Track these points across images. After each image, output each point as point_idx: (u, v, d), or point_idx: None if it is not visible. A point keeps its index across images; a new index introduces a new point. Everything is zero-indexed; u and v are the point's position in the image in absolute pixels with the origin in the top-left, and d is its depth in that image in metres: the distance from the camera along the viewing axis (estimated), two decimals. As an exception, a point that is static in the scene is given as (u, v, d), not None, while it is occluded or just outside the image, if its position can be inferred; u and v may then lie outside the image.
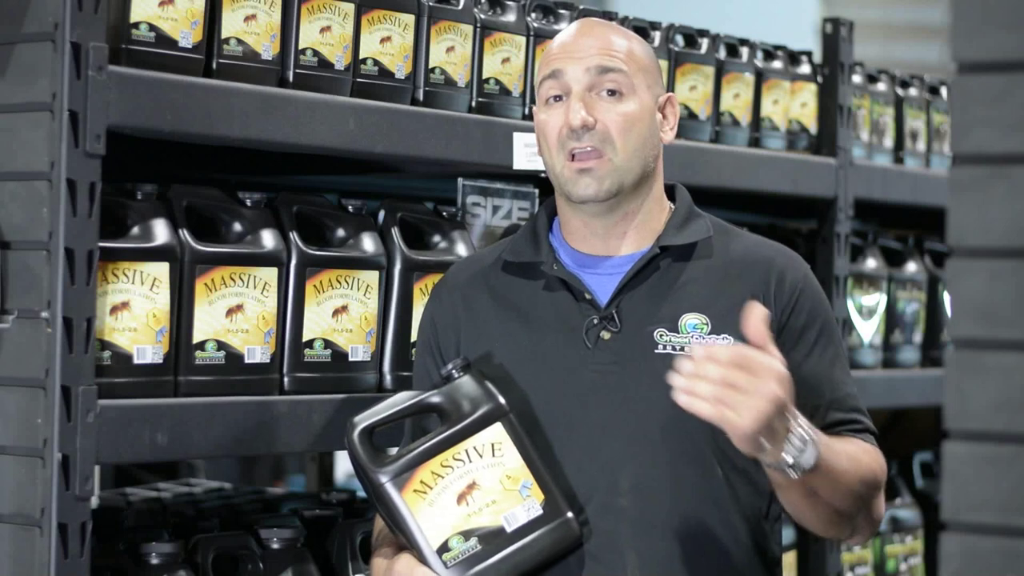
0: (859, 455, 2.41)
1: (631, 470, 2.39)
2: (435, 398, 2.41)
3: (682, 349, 2.40)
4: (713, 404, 2.15)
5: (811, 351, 2.45)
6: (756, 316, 2.21)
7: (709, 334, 2.41)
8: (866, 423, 2.50)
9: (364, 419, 2.39)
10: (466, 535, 2.34)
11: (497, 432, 2.38)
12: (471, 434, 2.38)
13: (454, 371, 2.41)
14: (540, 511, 2.36)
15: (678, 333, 2.42)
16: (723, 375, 2.14)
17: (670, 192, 2.56)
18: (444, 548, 2.34)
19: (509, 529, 2.36)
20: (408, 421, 2.48)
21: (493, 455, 2.37)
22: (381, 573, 2.40)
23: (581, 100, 2.42)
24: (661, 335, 2.42)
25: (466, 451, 2.37)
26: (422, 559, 2.34)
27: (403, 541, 2.37)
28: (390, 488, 2.35)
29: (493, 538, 2.35)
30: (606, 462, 2.40)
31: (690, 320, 2.43)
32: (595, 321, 2.43)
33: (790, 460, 2.22)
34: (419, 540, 2.34)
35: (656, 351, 2.41)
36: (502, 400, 2.39)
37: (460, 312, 2.53)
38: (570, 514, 2.37)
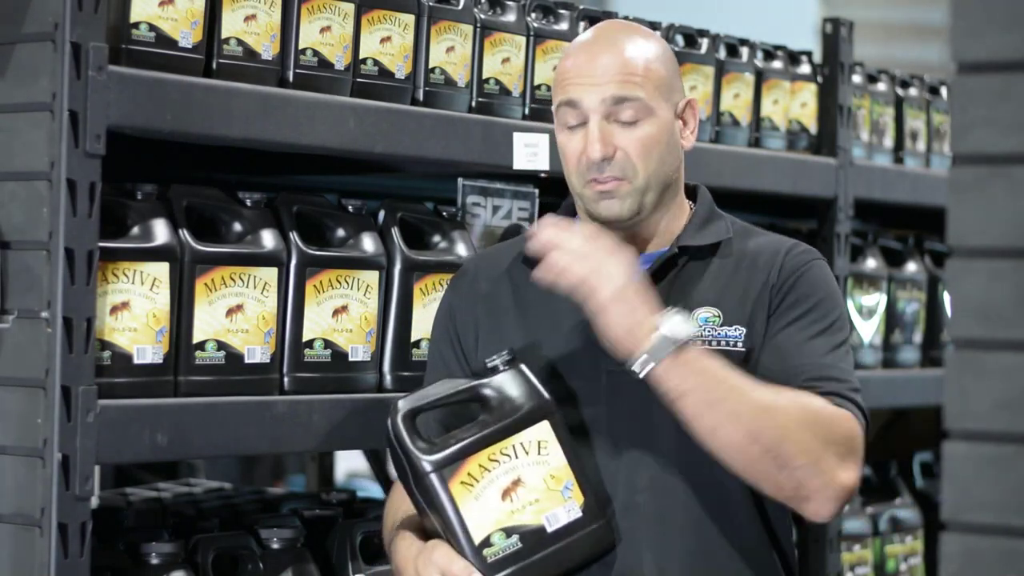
0: (787, 392, 2.31)
1: (648, 467, 2.40)
2: (483, 389, 2.38)
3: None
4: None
5: (793, 322, 2.40)
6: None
7: (721, 326, 2.41)
8: (840, 389, 2.37)
9: (409, 403, 2.36)
10: (508, 532, 2.32)
11: (544, 430, 2.36)
12: (518, 430, 2.35)
13: (500, 364, 2.39)
14: (580, 514, 2.35)
15: None
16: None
17: (692, 191, 2.56)
18: (486, 543, 2.31)
19: (550, 529, 2.34)
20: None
21: (539, 453, 2.35)
22: (412, 556, 2.37)
23: (599, 130, 2.41)
24: None
25: (513, 447, 2.34)
26: (460, 551, 2.31)
27: (432, 525, 2.34)
28: (436, 479, 2.31)
29: (534, 537, 2.33)
30: (624, 460, 2.40)
31: (702, 314, 2.42)
32: None
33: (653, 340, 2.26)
34: (460, 533, 2.31)
35: None
36: (548, 397, 2.37)
37: (479, 303, 2.54)
38: (606, 519, 2.36)
